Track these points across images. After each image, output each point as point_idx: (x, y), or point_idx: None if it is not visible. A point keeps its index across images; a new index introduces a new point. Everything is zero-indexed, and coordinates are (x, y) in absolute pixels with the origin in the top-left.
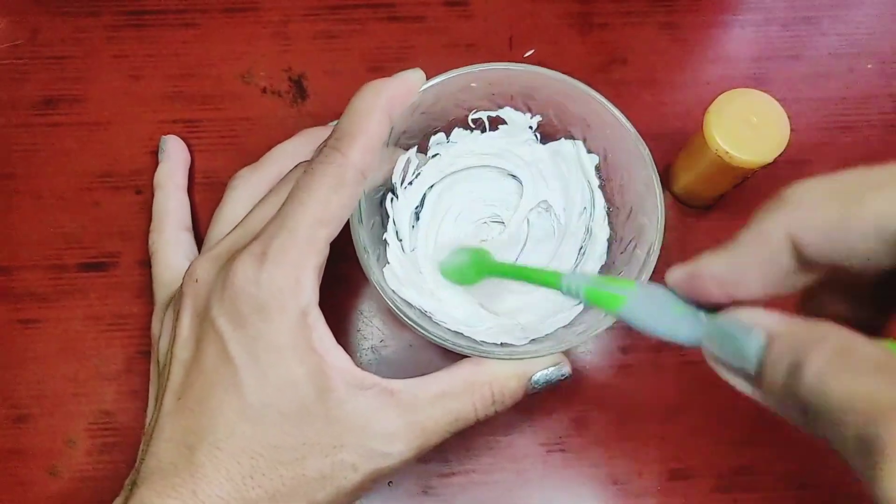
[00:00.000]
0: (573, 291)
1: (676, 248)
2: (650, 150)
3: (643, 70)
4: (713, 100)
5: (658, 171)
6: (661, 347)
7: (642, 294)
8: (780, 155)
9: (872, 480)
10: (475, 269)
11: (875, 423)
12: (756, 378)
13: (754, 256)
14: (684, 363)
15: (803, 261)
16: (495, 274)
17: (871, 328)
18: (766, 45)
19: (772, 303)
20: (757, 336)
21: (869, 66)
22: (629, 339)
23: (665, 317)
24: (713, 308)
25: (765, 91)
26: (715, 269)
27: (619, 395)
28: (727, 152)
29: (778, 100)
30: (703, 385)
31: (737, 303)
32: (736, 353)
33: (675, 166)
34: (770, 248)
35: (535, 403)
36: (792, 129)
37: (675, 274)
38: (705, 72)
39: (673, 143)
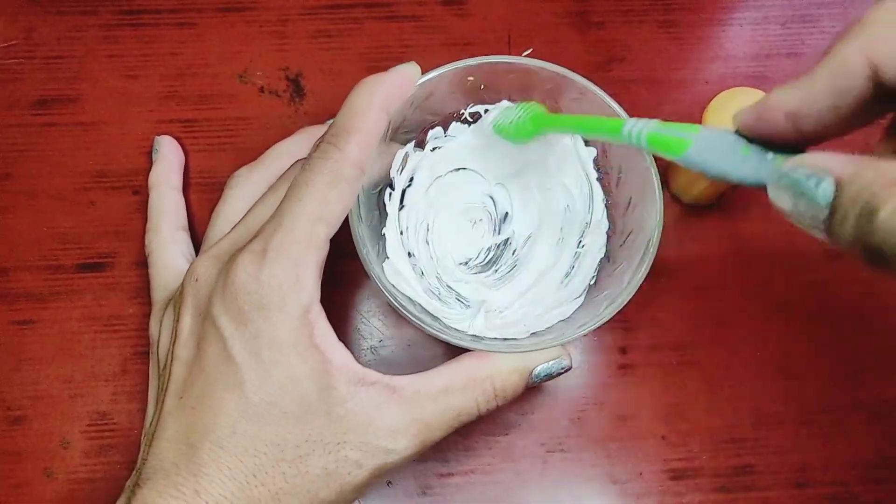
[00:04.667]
0: (634, 138)
1: (676, 248)
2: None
3: (642, 69)
4: (712, 98)
5: (657, 170)
6: (661, 347)
7: (707, 137)
8: None
9: None
10: (532, 122)
11: None
12: (827, 224)
13: (830, 84)
14: (684, 363)
15: (883, 88)
16: (553, 127)
17: None
18: (765, 44)
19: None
20: (827, 182)
21: None
22: (629, 339)
23: (731, 158)
24: (781, 150)
25: (764, 90)
26: (787, 99)
27: (619, 396)
28: None
29: None
30: (703, 385)
31: (805, 144)
32: (805, 200)
33: (674, 166)
34: (847, 74)
35: (534, 403)
36: None
37: (744, 113)
38: (704, 70)
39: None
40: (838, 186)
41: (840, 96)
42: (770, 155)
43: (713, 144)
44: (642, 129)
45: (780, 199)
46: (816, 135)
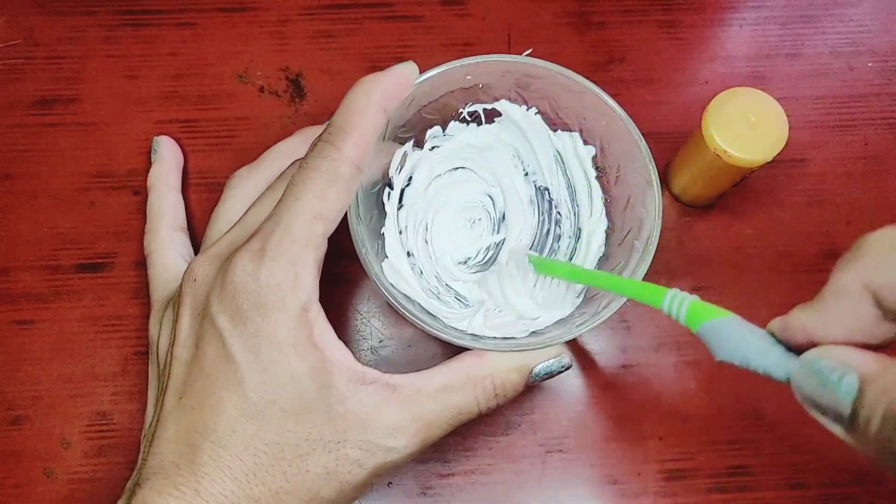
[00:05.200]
0: (674, 311)
1: (676, 248)
2: (650, 150)
3: (641, 69)
4: (712, 98)
5: (657, 171)
6: (660, 348)
7: (740, 321)
8: (778, 154)
9: None
10: (569, 273)
11: None
12: (850, 421)
13: (837, 311)
14: (683, 364)
15: (887, 311)
16: (588, 282)
17: None
18: (764, 44)
19: None
20: (850, 379)
21: (869, 64)
22: (629, 339)
23: (759, 341)
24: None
25: (763, 90)
26: (803, 322)
27: (618, 396)
28: (726, 151)
29: (777, 98)
30: (702, 385)
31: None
32: (828, 394)
33: (673, 165)
34: (850, 301)
35: (534, 404)
36: (791, 128)
37: (772, 325)
38: (704, 70)
39: (671, 142)
40: (862, 383)
41: (853, 320)
42: (791, 360)
43: (747, 326)
44: (684, 299)
45: (802, 388)
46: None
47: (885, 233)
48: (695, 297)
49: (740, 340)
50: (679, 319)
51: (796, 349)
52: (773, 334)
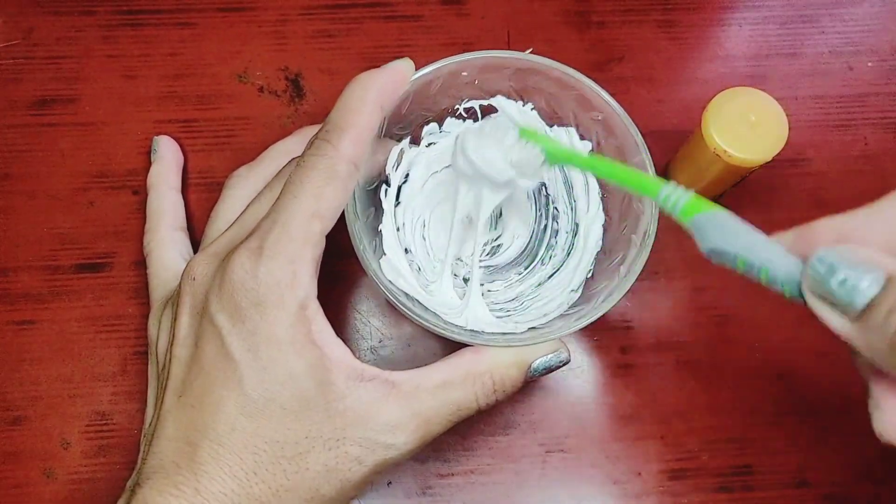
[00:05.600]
0: (670, 203)
1: (675, 248)
2: (648, 149)
3: (641, 68)
4: (711, 98)
5: (656, 170)
6: (660, 347)
7: (739, 219)
8: (778, 154)
9: None
10: (563, 155)
11: None
12: (862, 316)
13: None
14: (684, 363)
15: None
16: (586, 168)
17: None
18: (764, 44)
19: None
20: (877, 274)
21: (869, 63)
22: (629, 339)
23: (759, 237)
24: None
25: (763, 89)
26: (839, 223)
27: (618, 396)
28: (725, 151)
29: (776, 98)
30: (702, 385)
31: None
32: (846, 287)
33: (673, 165)
34: None
35: (534, 403)
36: (790, 128)
37: (783, 235)
38: (703, 70)
39: (671, 141)
40: (889, 281)
41: None
42: (795, 257)
43: (745, 225)
44: (680, 197)
45: (816, 277)
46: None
47: None
48: (691, 193)
49: (737, 231)
50: (674, 212)
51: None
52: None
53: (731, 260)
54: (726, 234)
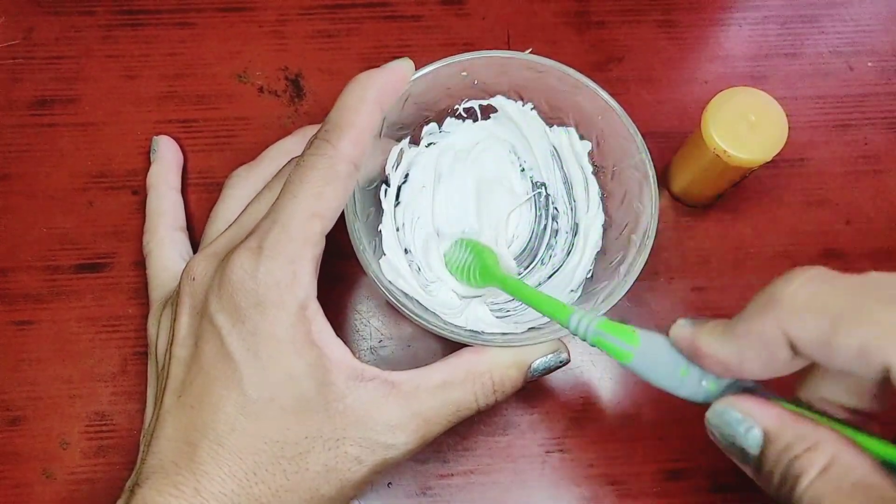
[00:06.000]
0: (581, 331)
1: (675, 248)
2: (648, 149)
3: (641, 68)
4: (711, 98)
5: (656, 170)
6: None
7: (647, 351)
8: (778, 154)
9: None
10: (481, 275)
11: None
12: (757, 470)
13: (753, 350)
14: None
15: (802, 356)
16: (503, 287)
17: (867, 417)
18: (764, 44)
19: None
20: (755, 433)
21: (869, 63)
22: None
23: (668, 378)
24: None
25: (763, 89)
26: (715, 351)
27: (617, 396)
28: (725, 151)
29: (776, 98)
30: None
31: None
32: (735, 441)
33: (673, 165)
34: (767, 344)
35: (533, 404)
36: (790, 128)
37: (680, 333)
38: (703, 70)
39: (671, 141)
40: (765, 440)
41: (768, 360)
42: (704, 382)
43: (653, 358)
44: (588, 326)
45: (716, 431)
46: (747, 377)
47: (803, 284)
48: (597, 327)
49: (650, 375)
50: (586, 339)
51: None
52: (680, 349)
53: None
54: (647, 377)
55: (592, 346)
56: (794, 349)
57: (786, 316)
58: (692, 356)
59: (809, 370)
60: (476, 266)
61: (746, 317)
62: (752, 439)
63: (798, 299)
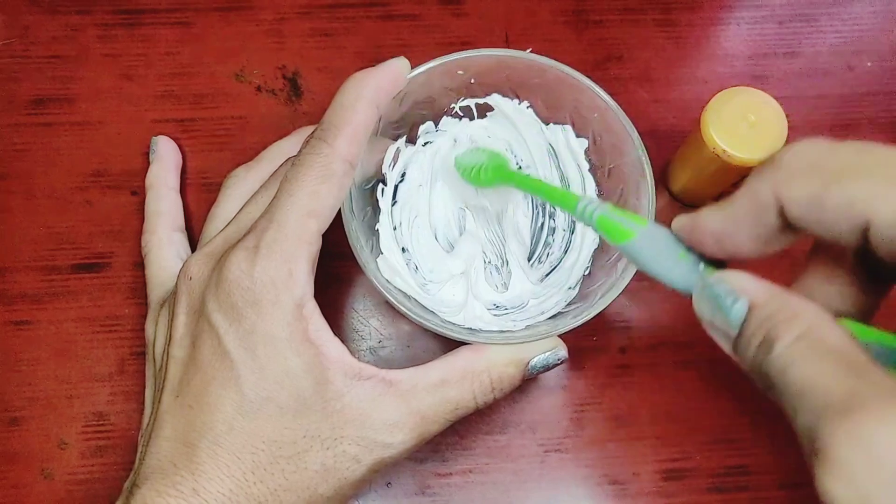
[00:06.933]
0: (586, 216)
1: None
2: (647, 149)
3: (639, 68)
4: (711, 98)
5: (655, 170)
6: (658, 348)
7: (651, 233)
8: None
9: (813, 472)
10: (492, 172)
11: (821, 420)
12: (734, 343)
13: (745, 213)
14: (681, 363)
15: (789, 222)
16: (512, 182)
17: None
18: (763, 43)
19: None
20: (741, 303)
21: (868, 63)
22: (627, 339)
23: (665, 260)
24: (713, 262)
25: (763, 89)
26: (711, 222)
27: (617, 396)
28: (725, 151)
29: (776, 98)
30: (699, 385)
31: (730, 260)
32: (721, 315)
33: (672, 165)
34: (759, 206)
35: (533, 404)
36: (790, 128)
37: (680, 221)
38: (702, 70)
39: (670, 141)
40: (750, 310)
41: (758, 225)
42: (702, 266)
43: (654, 242)
44: (595, 210)
45: (701, 308)
46: (739, 253)
47: (803, 148)
48: (605, 210)
49: (647, 259)
50: (592, 228)
51: (705, 255)
52: (680, 234)
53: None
54: (640, 262)
55: (596, 229)
56: (786, 214)
57: (781, 177)
58: (691, 235)
59: (802, 276)
60: (489, 165)
61: (745, 184)
62: (736, 311)
63: (795, 162)
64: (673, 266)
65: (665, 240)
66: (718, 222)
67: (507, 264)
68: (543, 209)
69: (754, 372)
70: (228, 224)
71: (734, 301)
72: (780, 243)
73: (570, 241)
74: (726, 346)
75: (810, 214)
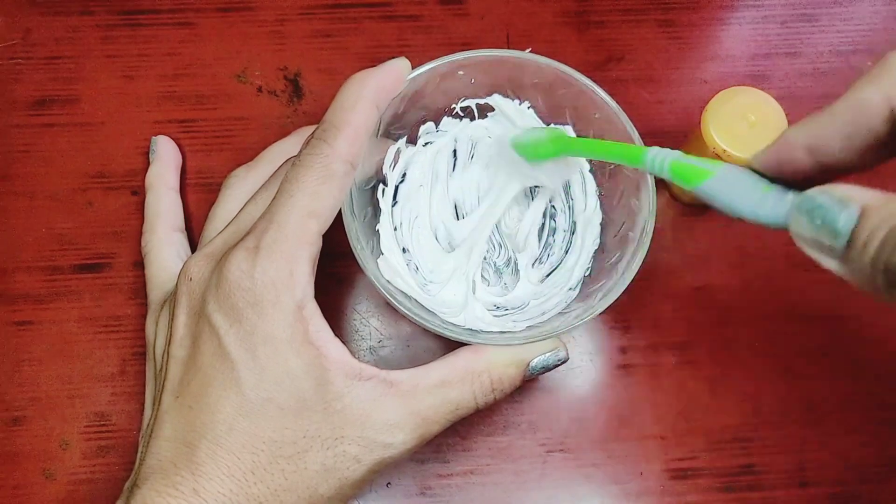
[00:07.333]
0: (657, 166)
1: (675, 248)
2: (641, 140)
3: (640, 68)
4: (711, 98)
5: None
6: (659, 347)
7: (730, 171)
8: None
9: None
10: (553, 144)
11: None
12: (845, 252)
13: (849, 121)
14: (684, 363)
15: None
16: (575, 150)
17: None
18: (763, 43)
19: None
20: (851, 210)
21: (869, 63)
22: (629, 339)
23: (751, 193)
24: (800, 188)
25: (763, 89)
26: (805, 133)
27: (619, 395)
28: (725, 150)
29: (776, 98)
30: (703, 384)
31: (825, 179)
32: (826, 226)
33: None
34: (867, 113)
35: (534, 404)
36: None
37: (763, 153)
38: (703, 70)
39: (671, 141)
40: (862, 214)
41: (858, 133)
42: (790, 195)
43: (736, 179)
44: (665, 157)
45: (800, 226)
46: (836, 167)
47: None
48: (676, 156)
49: (728, 198)
50: (664, 177)
51: (788, 180)
52: (762, 170)
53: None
54: (721, 203)
55: (672, 178)
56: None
57: (894, 80)
58: (777, 156)
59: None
60: (549, 138)
61: (848, 93)
62: (845, 218)
63: None
64: (760, 199)
65: (746, 176)
66: (813, 132)
67: (514, 265)
68: (544, 209)
69: (875, 270)
70: (228, 224)
71: (842, 209)
72: (880, 157)
73: (570, 242)
74: (831, 262)
75: None
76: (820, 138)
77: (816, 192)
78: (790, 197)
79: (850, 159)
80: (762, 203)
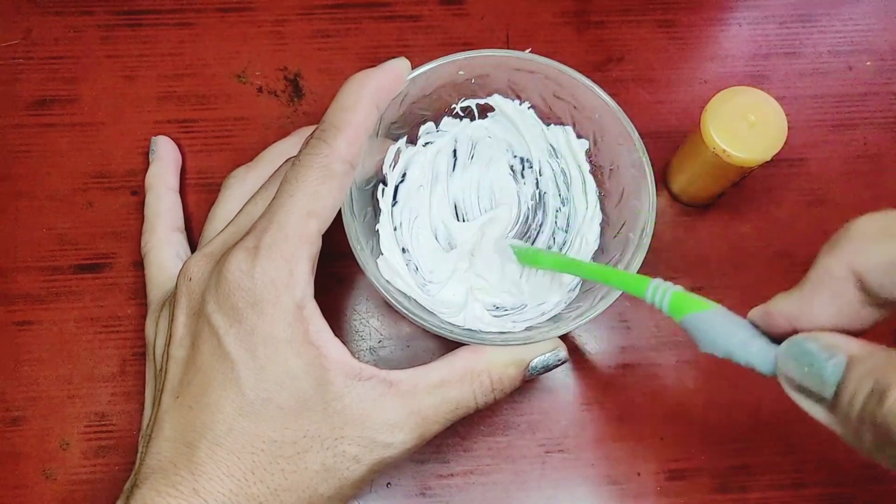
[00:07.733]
0: (657, 298)
1: (675, 248)
2: (647, 149)
3: (640, 68)
4: (711, 98)
5: (656, 170)
6: (659, 347)
7: (725, 312)
8: (777, 153)
9: None
10: (552, 260)
11: None
12: (833, 402)
13: (821, 293)
14: (682, 363)
15: (870, 295)
16: (573, 271)
17: None
18: (763, 43)
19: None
20: (839, 358)
21: (868, 63)
22: (628, 339)
23: (743, 332)
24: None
25: (762, 89)
26: (785, 307)
27: (618, 396)
28: (725, 151)
29: (776, 98)
30: (702, 385)
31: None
32: (813, 375)
33: (672, 165)
34: (835, 284)
35: (533, 404)
36: (790, 128)
37: (755, 312)
38: (703, 70)
39: (671, 141)
40: (849, 363)
41: (835, 303)
42: (776, 345)
43: (729, 318)
44: (668, 289)
45: (788, 369)
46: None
47: (871, 217)
48: (678, 288)
49: (722, 332)
50: (662, 309)
51: (778, 338)
52: (754, 323)
53: (720, 355)
54: (713, 337)
55: (668, 310)
56: (866, 286)
57: (854, 247)
58: (764, 320)
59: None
60: (549, 256)
61: (815, 264)
62: (833, 366)
63: (865, 230)
64: (749, 340)
65: (739, 319)
66: (793, 306)
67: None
68: (545, 209)
69: (861, 425)
70: (228, 225)
71: (830, 356)
72: (864, 319)
73: (570, 243)
74: (818, 410)
75: (892, 280)
76: (800, 313)
77: (804, 338)
78: (776, 347)
79: (842, 323)
80: (751, 343)
